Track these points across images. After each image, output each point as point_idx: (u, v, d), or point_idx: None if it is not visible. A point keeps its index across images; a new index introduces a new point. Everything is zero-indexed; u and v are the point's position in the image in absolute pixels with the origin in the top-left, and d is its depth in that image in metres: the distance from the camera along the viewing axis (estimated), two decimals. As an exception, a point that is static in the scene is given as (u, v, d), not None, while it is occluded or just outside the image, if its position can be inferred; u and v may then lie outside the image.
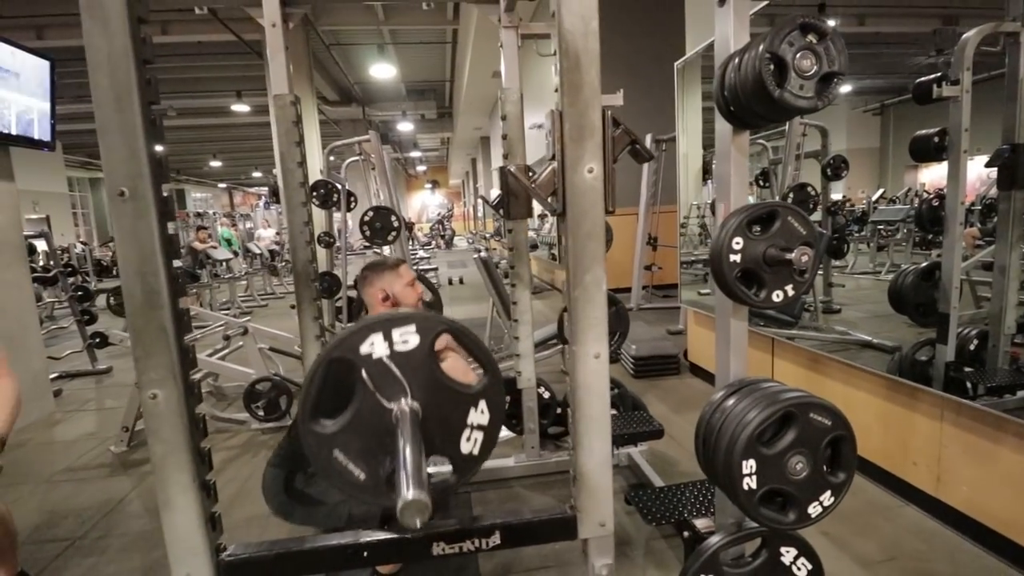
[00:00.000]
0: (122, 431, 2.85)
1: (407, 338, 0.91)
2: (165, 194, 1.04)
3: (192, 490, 1.07)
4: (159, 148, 1.04)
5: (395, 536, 1.18)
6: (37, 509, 2.33)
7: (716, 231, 1.05)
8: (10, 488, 2.50)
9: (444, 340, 1.01)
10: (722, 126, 1.10)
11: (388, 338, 0.89)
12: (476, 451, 0.97)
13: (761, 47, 0.87)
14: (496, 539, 1.20)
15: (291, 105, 2.04)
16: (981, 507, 1.76)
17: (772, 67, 0.87)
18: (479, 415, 0.96)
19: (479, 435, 0.96)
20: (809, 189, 3.86)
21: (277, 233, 11.20)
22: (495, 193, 10.77)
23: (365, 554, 1.16)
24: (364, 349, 0.89)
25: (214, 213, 15.17)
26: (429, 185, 21.01)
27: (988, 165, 2.11)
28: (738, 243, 0.99)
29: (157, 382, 1.03)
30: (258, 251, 9.28)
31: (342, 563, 1.22)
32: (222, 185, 20.76)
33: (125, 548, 2.01)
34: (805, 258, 0.95)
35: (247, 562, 1.13)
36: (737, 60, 0.95)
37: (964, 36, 1.98)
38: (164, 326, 1.02)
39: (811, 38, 0.88)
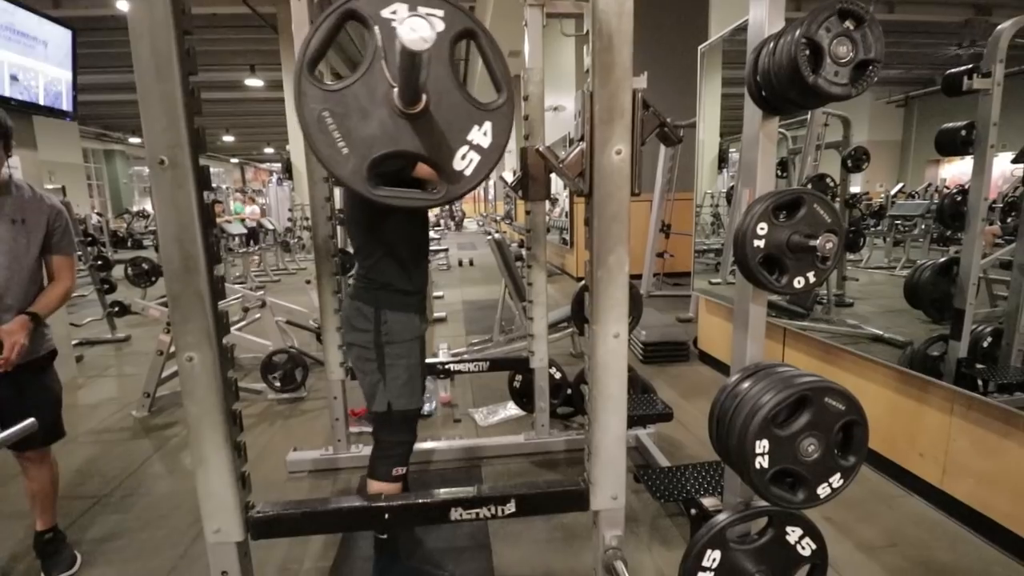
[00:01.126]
0: (143, 396, 2.93)
1: (432, 20, 0.84)
2: (203, 163, 1.07)
3: (225, 449, 1.12)
4: (197, 119, 1.07)
5: (415, 500, 1.23)
6: (63, 468, 2.40)
7: (741, 216, 1.06)
8: (37, 447, 2.59)
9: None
10: (751, 111, 1.11)
11: (413, 10, 0.83)
12: (468, 171, 0.92)
13: (798, 32, 0.87)
14: (511, 507, 1.24)
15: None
16: (986, 500, 1.78)
17: (808, 52, 0.88)
18: (481, 135, 0.91)
19: (475, 156, 0.92)
20: (828, 180, 3.83)
21: (292, 210, 11.21)
22: (508, 175, 10.70)
23: (386, 516, 1.21)
24: (385, 12, 0.84)
25: (227, 188, 15.26)
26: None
27: (1015, 161, 2.09)
28: (763, 228, 1.01)
29: (193, 345, 1.07)
30: (271, 227, 9.34)
31: (365, 523, 1.28)
32: (234, 160, 20.82)
33: (149, 507, 2.09)
34: (830, 245, 0.96)
35: (275, 519, 1.19)
36: (772, 44, 0.95)
37: (999, 27, 1.95)
38: (200, 291, 1.06)
39: (848, 24, 0.88)
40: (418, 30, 0.69)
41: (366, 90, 0.87)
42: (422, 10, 0.84)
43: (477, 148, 0.93)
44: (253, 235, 9.23)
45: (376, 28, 0.85)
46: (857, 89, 0.90)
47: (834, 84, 0.89)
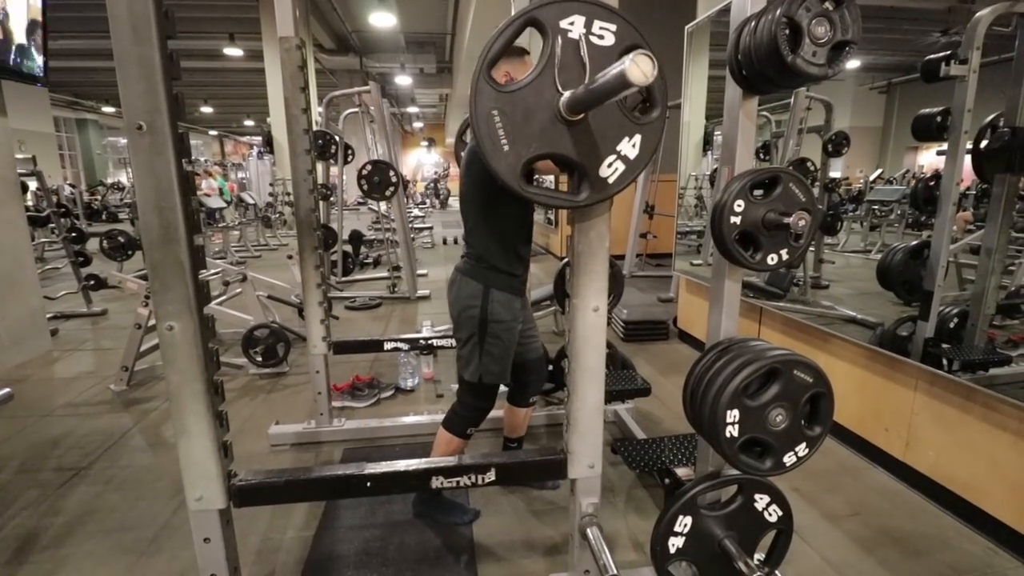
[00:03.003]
0: (121, 370, 2.90)
1: (604, 34, 0.91)
2: (181, 131, 1.05)
3: (206, 419, 1.13)
4: (176, 84, 1.05)
5: (398, 468, 1.26)
6: (41, 440, 2.40)
7: (718, 193, 1.08)
8: (13, 420, 2.56)
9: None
10: (732, 91, 1.12)
11: (589, 25, 0.90)
12: (612, 179, 0.98)
13: (778, 11, 0.89)
14: (491, 476, 1.28)
15: (297, 49, 2.01)
16: (944, 471, 1.88)
17: (787, 32, 0.89)
18: (629, 146, 0.97)
19: (620, 165, 0.98)
20: (809, 164, 3.88)
21: (273, 184, 10.94)
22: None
23: (368, 484, 1.24)
24: (564, 23, 0.90)
25: (205, 161, 14.86)
26: (425, 143, 20.62)
27: (987, 147, 2.14)
28: (739, 205, 1.03)
29: (174, 314, 1.07)
30: (251, 201, 9.16)
31: (347, 491, 1.30)
32: (213, 132, 20.21)
33: (129, 479, 2.09)
34: (803, 223, 0.99)
35: (257, 487, 1.21)
36: (753, 24, 0.96)
37: (977, 15, 1.98)
38: (181, 260, 1.06)
39: (827, 5, 0.90)
40: (644, 68, 0.72)
41: (534, 94, 0.92)
42: (596, 25, 0.91)
43: (624, 158, 0.98)
44: (210, 215, 8.51)
45: (558, 38, 0.90)
46: (833, 70, 0.92)
47: (811, 64, 0.91)
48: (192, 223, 1.07)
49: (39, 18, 3.32)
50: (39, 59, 3.36)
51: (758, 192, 1.07)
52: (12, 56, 3.17)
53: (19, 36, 3.21)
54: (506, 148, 0.93)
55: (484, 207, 1.55)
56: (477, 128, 0.91)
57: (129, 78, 0.98)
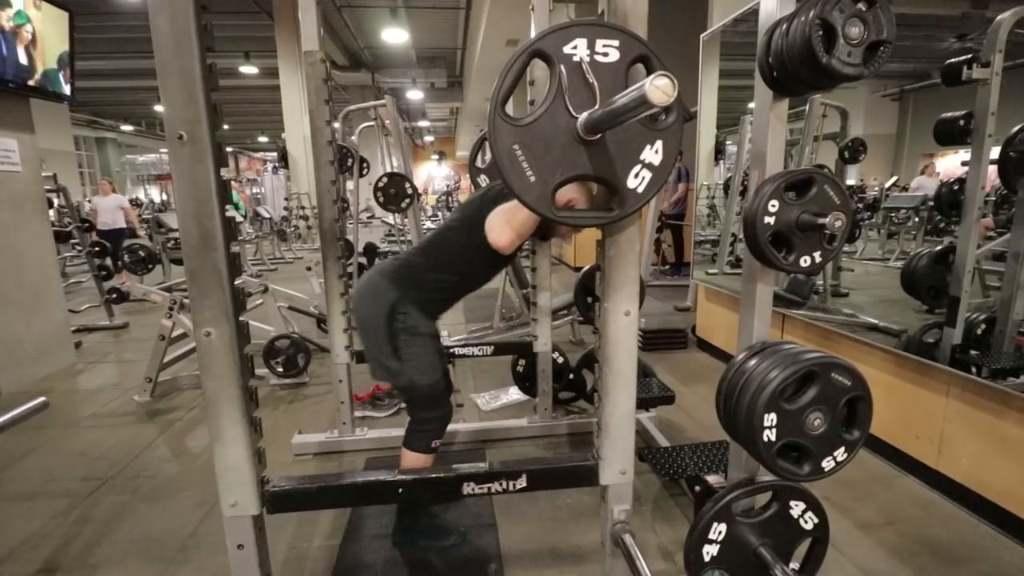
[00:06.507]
0: (145, 381, 2.93)
1: (609, 51, 0.92)
2: (219, 141, 1.08)
3: (241, 424, 1.14)
4: (215, 95, 1.07)
5: (429, 475, 1.26)
6: (68, 451, 2.43)
7: (751, 195, 1.08)
8: (40, 431, 2.60)
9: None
10: (762, 94, 1.13)
11: (592, 45, 0.92)
12: (640, 188, 0.98)
13: (812, 13, 0.89)
14: (523, 482, 1.27)
15: (321, 62, 2.05)
16: (979, 479, 1.83)
17: (821, 33, 0.90)
18: (653, 154, 0.97)
19: (647, 174, 0.98)
20: (825, 172, 3.85)
21: (288, 199, 11.05)
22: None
23: (400, 490, 1.24)
24: (567, 48, 0.91)
25: (221, 177, 15.10)
26: (436, 156, 20.83)
27: (1013, 150, 2.12)
28: (774, 206, 1.03)
29: (211, 321, 1.09)
30: (267, 215, 9.29)
31: (379, 497, 1.30)
32: (228, 149, 20.66)
33: (156, 488, 2.11)
34: (839, 223, 0.98)
35: (290, 493, 1.21)
36: (785, 26, 0.97)
37: (999, 17, 1.97)
38: (218, 267, 1.07)
39: (861, 5, 0.90)
40: (665, 89, 0.73)
41: (551, 122, 0.93)
42: (599, 43, 0.92)
43: (649, 166, 0.98)
44: (114, 236, 6.09)
45: (561, 66, 0.91)
46: (869, 70, 0.92)
47: (847, 64, 0.91)
48: (229, 231, 1.08)
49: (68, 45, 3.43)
50: (66, 82, 3.47)
51: (791, 194, 1.07)
52: (40, 77, 3.27)
53: (49, 60, 3.32)
54: (533, 179, 0.94)
55: (467, 249, 1.53)
56: (501, 165, 0.92)
57: (170, 89, 1.01)
